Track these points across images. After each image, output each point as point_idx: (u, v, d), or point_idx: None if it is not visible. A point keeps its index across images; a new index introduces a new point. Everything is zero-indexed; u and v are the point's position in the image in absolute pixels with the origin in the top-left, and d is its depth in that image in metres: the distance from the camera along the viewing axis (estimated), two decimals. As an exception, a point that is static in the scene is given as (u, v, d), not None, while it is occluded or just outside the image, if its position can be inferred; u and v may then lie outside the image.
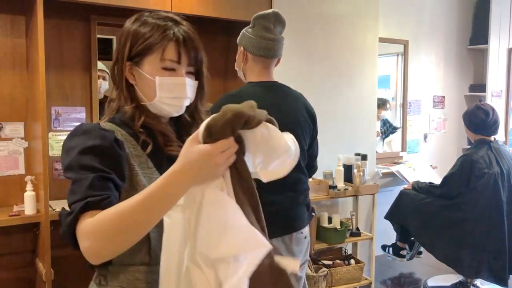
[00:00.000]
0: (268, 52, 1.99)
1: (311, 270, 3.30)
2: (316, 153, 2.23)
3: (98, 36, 2.96)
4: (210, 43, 3.36)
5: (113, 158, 1.07)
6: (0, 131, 2.68)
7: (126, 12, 2.88)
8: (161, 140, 1.17)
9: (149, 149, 1.14)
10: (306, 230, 2.08)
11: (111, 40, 3.89)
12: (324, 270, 3.30)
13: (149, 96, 1.17)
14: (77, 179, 1.03)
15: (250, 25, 2.03)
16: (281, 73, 3.26)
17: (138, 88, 1.18)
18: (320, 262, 3.42)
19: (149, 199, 0.94)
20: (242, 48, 2.05)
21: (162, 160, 1.15)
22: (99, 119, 2.97)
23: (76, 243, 1.00)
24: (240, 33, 2.07)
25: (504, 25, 4.82)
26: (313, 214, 2.16)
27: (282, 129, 2.00)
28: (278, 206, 1.95)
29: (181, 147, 0.99)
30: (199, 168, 0.93)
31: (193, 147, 0.94)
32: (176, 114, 1.21)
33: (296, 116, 2.03)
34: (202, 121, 1.18)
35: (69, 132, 1.14)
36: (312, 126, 2.13)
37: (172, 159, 1.00)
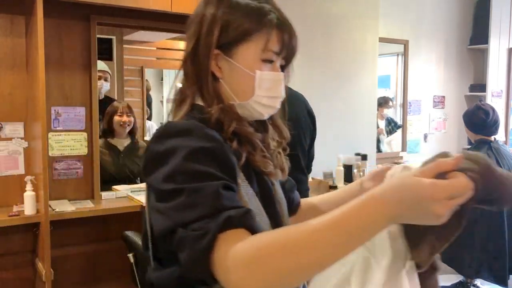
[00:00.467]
0: None
1: (311, 270, 3.30)
2: (313, 155, 2.24)
3: (98, 36, 2.96)
4: (210, 43, 3.36)
5: (227, 164, 0.85)
6: (0, 131, 2.68)
7: (126, 12, 2.89)
8: (248, 149, 0.95)
9: (243, 159, 0.92)
10: None
11: (111, 40, 3.90)
12: (324, 270, 3.30)
13: (241, 93, 0.95)
14: (193, 189, 0.77)
15: None
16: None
17: (226, 83, 0.96)
18: (320, 262, 3.42)
19: (338, 228, 0.67)
20: None
21: (251, 173, 0.95)
22: (99, 120, 2.98)
23: (211, 274, 0.73)
24: None
25: (504, 25, 4.82)
26: None
27: None
28: None
29: (265, 157, 0.86)
30: (407, 207, 0.66)
31: (410, 177, 0.67)
32: (266, 117, 1.01)
33: (298, 117, 2.04)
34: (280, 126, 1.06)
35: (158, 138, 0.86)
36: (312, 127, 2.15)
37: (258, 174, 0.88)
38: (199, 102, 0.96)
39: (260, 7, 0.93)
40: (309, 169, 2.20)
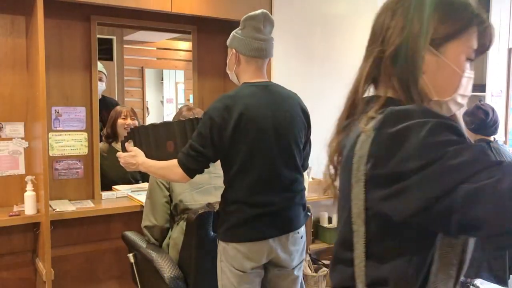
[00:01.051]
0: (261, 52, 2.01)
1: (311, 270, 3.30)
2: (309, 153, 2.24)
3: (98, 36, 2.96)
4: (210, 43, 3.36)
5: (462, 133, 0.81)
6: (0, 131, 2.69)
7: (127, 12, 2.90)
8: None
9: None
10: (302, 230, 2.10)
11: (111, 40, 3.90)
12: (324, 270, 3.31)
13: (442, 90, 0.92)
14: (455, 151, 0.73)
15: (240, 27, 2.05)
16: (280, 73, 3.27)
17: (428, 78, 0.91)
18: (320, 262, 3.42)
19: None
20: (234, 51, 2.05)
21: None
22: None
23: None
24: (230, 36, 2.08)
25: (504, 25, 4.82)
26: (308, 214, 2.19)
27: (280, 128, 1.98)
28: (276, 206, 1.99)
29: None
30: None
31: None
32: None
33: (293, 116, 2.04)
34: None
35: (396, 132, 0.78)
36: (307, 126, 2.13)
37: None
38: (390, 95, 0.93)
39: (468, 3, 0.90)
40: (304, 167, 2.20)
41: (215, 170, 2.33)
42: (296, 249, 2.08)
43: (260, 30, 2.00)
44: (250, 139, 1.93)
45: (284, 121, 2.01)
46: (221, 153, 1.96)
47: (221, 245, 2.01)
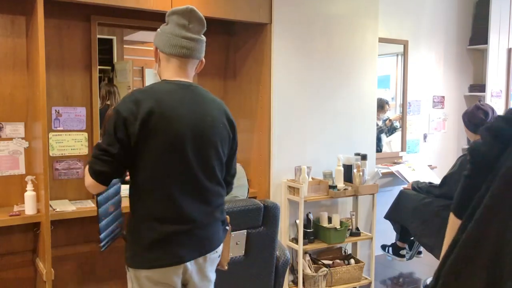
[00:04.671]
0: (181, 50, 1.72)
1: (311, 270, 3.31)
2: (234, 172, 1.95)
3: (98, 36, 2.96)
4: (210, 43, 3.34)
5: None
6: (0, 131, 2.69)
7: (127, 13, 2.90)
8: None
9: None
10: (220, 248, 1.86)
11: (111, 40, 3.90)
12: (324, 270, 3.31)
13: None
14: None
15: (165, 23, 1.79)
16: (280, 73, 3.28)
17: None
18: (320, 262, 3.42)
19: None
20: (154, 47, 1.80)
21: None
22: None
23: None
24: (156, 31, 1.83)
25: (503, 25, 4.83)
26: (227, 228, 1.92)
27: (198, 131, 1.73)
28: (193, 224, 1.71)
29: None
30: None
31: None
32: None
33: (214, 121, 1.76)
34: None
35: None
36: (232, 136, 1.85)
37: None
38: None
39: None
40: (230, 186, 1.93)
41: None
42: (212, 268, 1.85)
43: (184, 26, 1.73)
44: (162, 141, 1.64)
45: (204, 125, 1.72)
46: (128, 152, 1.63)
47: (131, 272, 1.71)
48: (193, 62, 1.79)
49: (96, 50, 2.92)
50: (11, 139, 2.71)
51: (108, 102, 3.45)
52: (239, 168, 2.45)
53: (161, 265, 1.66)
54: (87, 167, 1.68)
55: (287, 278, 3.26)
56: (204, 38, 1.81)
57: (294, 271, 3.35)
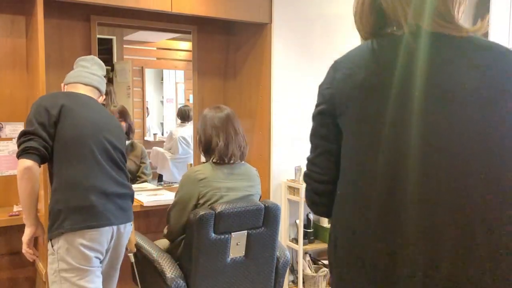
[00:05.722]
0: (80, 78, 2.11)
1: (311, 270, 3.31)
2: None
3: (99, 36, 2.96)
4: (210, 43, 3.36)
5: None
6: (0, 131, 2.69)
7: (127, 12, 2.89)
8: None
9: None
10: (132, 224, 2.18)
11: (111, 40, 3.90)
12: (324, 270, 3.31)
13: None
14: None
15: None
16: (280, 73, 3.28)
17: None
18: (320, 262, 3.42)
19: None
20: (62, 85, 2.17)
21: None
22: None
23: None
24: None
25: (504, 25, 4.82)
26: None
27: (100, 124, 2.02)
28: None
29: None
30: None
31: None
32: None
33: (110, 122, 2.14)
34: None
35: None
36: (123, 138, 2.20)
37: None
38: None
39: None
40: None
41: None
42: (124, 247, 2.10)
43: (87, 67, 2.15)
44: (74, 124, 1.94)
45: (104, 120, 2.08)
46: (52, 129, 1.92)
47: (60, 243, 1.87)
48: (91, 89, 2.13)
49: (96, 50, 2.92)
50: (11, 139, 2.71)
51: (104, 102, 3.45)
52: (254, 174, 2.44)
53: (97, 226, 1.86)
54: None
55: (287, 278, 3.26)
56: (104, 76, 2.22)
57: (294, 271, 3.35)
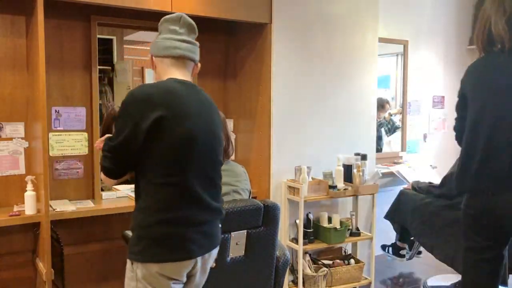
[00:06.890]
0: (174, 50, 1.75)
1: (311, 270, 3.31)
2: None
3: (98, 36, 2.96)
4: (210, 43, 3.36)
5: None
6: (0, 131, 2.69)
7: (127, 12, 2.90)
8: None
9: None
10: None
11: (111, 40, 3.90)
12: (324, 269, 3.31)
13: None
14: None
15: (158, 33, 1.84)
16: (280, 73, 3.28)
17: None
18: (320, 262, 3.42)
19: None
20: (150, 56, 1.83)
21: None
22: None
23: None
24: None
25: (503, 25, 4.82)
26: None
27: (207, 134, 1.76)
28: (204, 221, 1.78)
29: None
30: None
31: None
32: None
33: (215, 119, 1.84)
34: None
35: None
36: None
37: None
38: None
39: None
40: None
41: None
42: (210, 264, 1.89)
43: (176, 31, 1.78)
44: (173, 140, 1.66)
45: (210, 123, 1.79)
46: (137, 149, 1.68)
47: (139, 269, 1.69)
48: (186, 63, 1.80)
49: (96, 50, 2.92)
50: (11, 139, 2.71)
51: (100, 102, 3.45)
52: (241, 170, 2.48)
53: (174, 259, 1.69)
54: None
55: (287, 278, 3.26)
56: (197, 43, 1.84)
57: (294, 271, 3.35)
